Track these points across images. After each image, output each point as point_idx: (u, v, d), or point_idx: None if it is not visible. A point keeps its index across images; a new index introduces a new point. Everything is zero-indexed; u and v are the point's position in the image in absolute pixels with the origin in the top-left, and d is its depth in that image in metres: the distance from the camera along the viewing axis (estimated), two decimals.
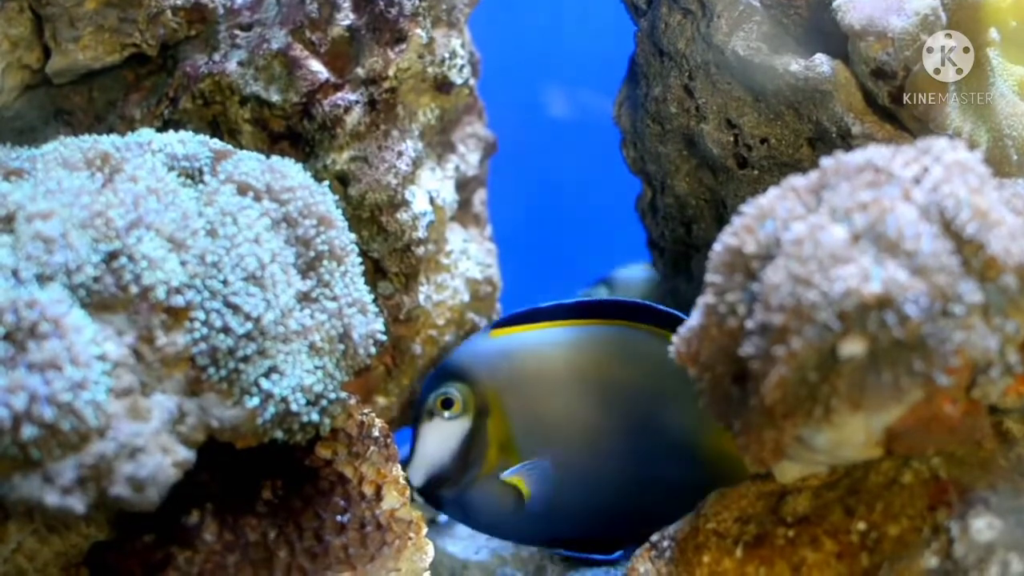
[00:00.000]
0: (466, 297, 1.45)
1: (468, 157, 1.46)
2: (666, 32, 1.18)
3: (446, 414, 1.18)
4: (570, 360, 1.16)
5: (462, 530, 1.40)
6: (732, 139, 1.17)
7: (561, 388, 1.16)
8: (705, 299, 0.87)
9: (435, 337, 1.42)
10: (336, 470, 0.99)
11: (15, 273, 0.85)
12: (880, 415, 0.84)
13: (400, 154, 1.31)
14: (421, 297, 1.37)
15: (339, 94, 1.29)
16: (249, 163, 0.97)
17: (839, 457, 0.88)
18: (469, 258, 1.46)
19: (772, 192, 0.86)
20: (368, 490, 1.00)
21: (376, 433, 1.04)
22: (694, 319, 0.89)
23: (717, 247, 0.86)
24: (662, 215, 1.32)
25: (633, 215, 1.44)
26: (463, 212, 1.50)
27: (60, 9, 1.26)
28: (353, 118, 1.29)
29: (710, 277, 0.86)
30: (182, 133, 1.01)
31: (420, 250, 1.34)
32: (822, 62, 1.07)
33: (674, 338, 0.91)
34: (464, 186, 1.48)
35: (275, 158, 0.99)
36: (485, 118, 1.51)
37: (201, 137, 1.02)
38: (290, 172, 0.97)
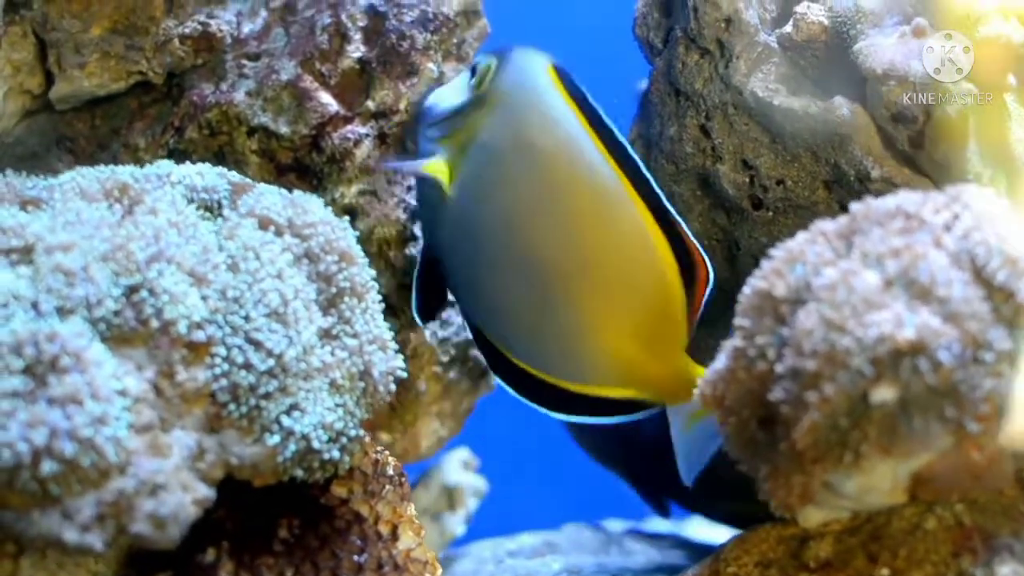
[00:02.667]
0: (470, 334, 1.45)
1: None
2: (683, 72, 1.20)
3: (469, 79, 1.16)
4: (568, 177, 1.11)
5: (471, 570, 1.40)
6: (748, 180, 1.19)
7: (536, 180, 1.12)
8: (733, 343, 0.88)
9: (439, 374, 1.43)
10: (352, 509, 1.00)
11: (35, 306, 0.86)
12: (909, 461, 0.85)
13: (410, 189, 1.32)
14: (427, 334, 1.38)
15: (349, 127, 1.30)
16: (270, 197, 0.98)
17: (865, 503, 0.90)
18: None
19: (801, 236, 0.88)
20: (384, 529, 1.01)
21: (390, 471, 1.05)
22: (720, 362, 0.90)
23: (746, 290, 0.88)
24: None
25: None
26: None
27: (65, 34, 1.26)
28: (363, 151, 1.30)
29: (739, 321, 0.88)
30: (200, 165, 1.02)
31: None
32: (841, 105, 1.09)
33: (700, 382, 0.92)
34: None
35: (296, 192, 1.00)
36: None
37: (219, 169, 1.03)
38: (311, 207, 0.98)
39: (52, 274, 0.87)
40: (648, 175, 1.10)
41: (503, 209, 1.12)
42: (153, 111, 1.35)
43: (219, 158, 1.32)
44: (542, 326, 1.13)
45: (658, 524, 1.95)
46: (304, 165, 1.31)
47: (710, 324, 1.32)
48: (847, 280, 0.81)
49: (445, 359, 1.43)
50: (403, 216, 1.32)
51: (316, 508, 0.99)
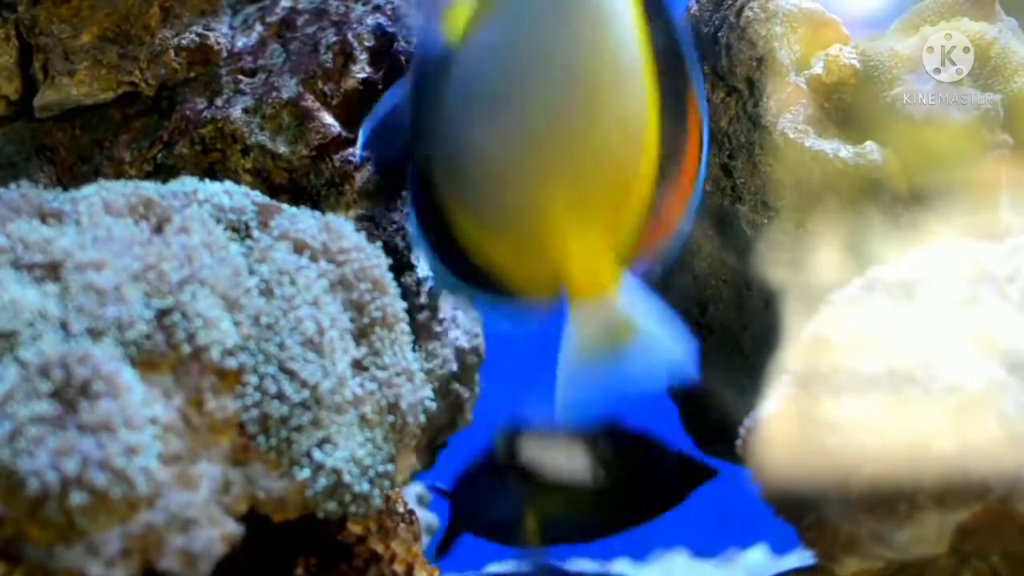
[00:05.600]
0: (455, 367, 1.44)
1: None
2: (708, 109, 1.22)
3: None
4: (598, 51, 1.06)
5: None
6: (767, 222, 1.20)
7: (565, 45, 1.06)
8: (787, 390, 0.89)
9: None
10: (369, 547, 0.99)
11: (64, 325, 0.84)
12: (960, 512, 0.86)
13: (409, 216, 1.32)
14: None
15: (350, 149, 1.29)
16: (305, 220, 0.97)
17: (911, 553, 0.91)
18: (458, 326, 1.47)
19: (858, 282, 0.89)
20: (400, 569, 1.00)
21: (401, 509, 1.04)
22: (768, 409, 0.91)
23: (804, 336, 0.89)
24: (675, 294, 1.34)
25: None
26: None
27: (54, 40, 1.25)
28: (363, 175, 1.29)
29: (795, 367, 0.88)
30: (227, 183, 1.01)
31: (421, 316, 1.34)
32: (873, 150, 1.11)
33: (742, 430, 0.93)
34: None
35: (328, 216, 0.99)
36: None
37: (244, 188, 1.02)
38: (345, 232, 0.98)
39: (83, 293, 0.85)
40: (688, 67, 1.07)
41: (515, 64, 1.08)
42: (139, 124, 1.32)
43: (209, 175, 1.30)
44: (498, 170, 1.09)
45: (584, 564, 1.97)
46: (300, 187, 1.30)
47: (712, 367, 1.33)
48: (912, 329, 0.83)
49: None
50: (401, 243, 1.31)
51: (333, 546, 0.98)
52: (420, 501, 1.90)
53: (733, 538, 2.09)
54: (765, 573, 1.66)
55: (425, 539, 1.84)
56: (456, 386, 1.48)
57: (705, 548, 2.13)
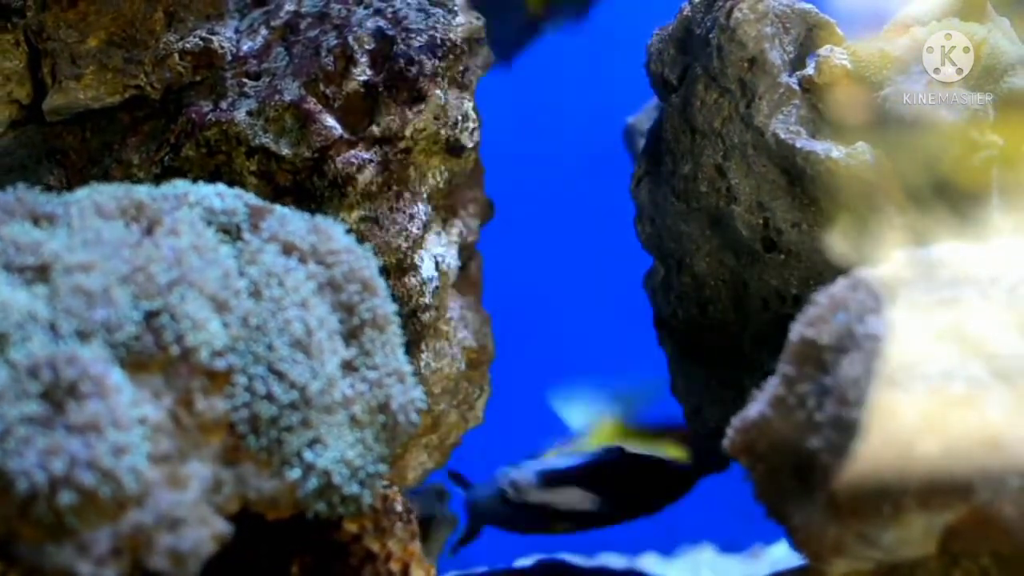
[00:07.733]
0: (462, 366, 1.43)
1: (469, 222, 1.46)
2: (701, 110, 1.20)
3: None
4: None
5: None
6: (762, 222, 1.19)
7: None
8: (773, 391, 0.87)
9: (429, 406, 1.40)
10: (365, 546, 0.97)
11: (53, 327, 0.83)
12: (945, 514, 0.84)
13: (412, 217, 1.30)
14: (421, 364, 1.36)
15: (352, 151, 1.28)
16: (295, 222, 0.96)
17: (898, 554, 0.89)
18: (466, 326, 1.45)
19: (842, 283, 0.88)
20: (395, 567, 0.98)
21: (399, 508, 1.03)
22: (753, 410, 0.89)
23: (792, 338, 0.87)
24: (675, 294, 1.33)
25: (634, 289, 1.45)
26: (460, 278, 1.50)
27: (61, 44, 1.24)
28: (365, 177, 1.28)
29: (782, 368, 0.87)
30: (219, 186, 1.00)
31: (426, 316, 1.33)
32: (864, 150, 1.09)
33: (729, 430, 0.91)
34: (463, 251, 1.48)
35: (318, 218, 0.98)
36: (484, 182, 1.51)
37: (236, 191, 1.01)
38: (335, 234, 0.97)
39: (72, 295, 0.84)
40: None
41: None
42: (147, 127, 1.32)
43: (215, 177, 1.29)
44: None
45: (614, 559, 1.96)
46: (304, 188, 1.29)
47: (712, 367, 1.32)
48: (895, 330, 0.81)
49: (436, 391, 1.41)
50: (404, 244, 1.30)
51: (328, 545, 0.97)
52: (440, 499, 1.88)
53: (758, 533, 2.08)
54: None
55: (445, 534, 1.83)
56: (465, 384, 1.47)
57: (731, 543, 2.12)
